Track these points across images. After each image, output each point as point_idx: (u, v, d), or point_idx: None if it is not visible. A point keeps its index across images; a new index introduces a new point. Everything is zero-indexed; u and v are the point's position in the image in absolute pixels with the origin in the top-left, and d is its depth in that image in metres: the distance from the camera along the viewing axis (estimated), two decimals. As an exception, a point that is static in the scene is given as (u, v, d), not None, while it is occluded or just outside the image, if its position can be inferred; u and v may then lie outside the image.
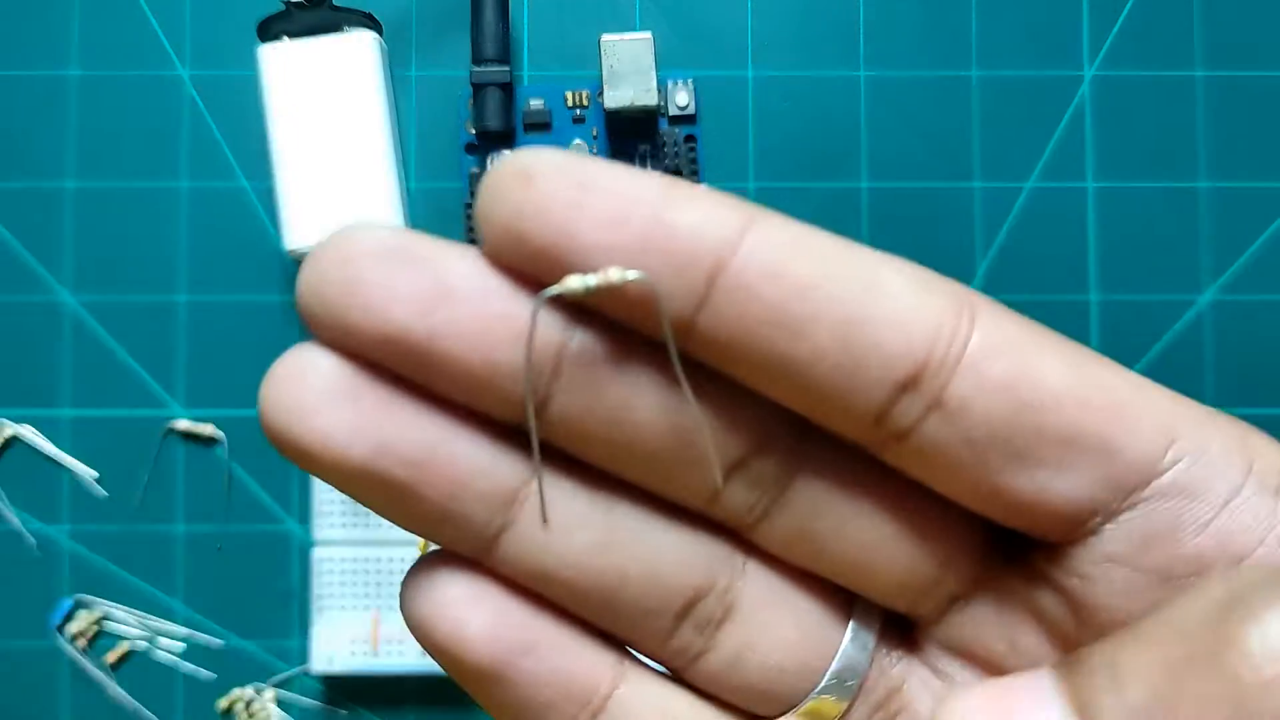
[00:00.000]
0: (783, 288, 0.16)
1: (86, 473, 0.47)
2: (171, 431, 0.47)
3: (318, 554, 0.45)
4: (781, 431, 0.18)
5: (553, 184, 0.16)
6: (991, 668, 0.19)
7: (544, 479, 0.17)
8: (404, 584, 0.18)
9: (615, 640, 0.19)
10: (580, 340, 0.17)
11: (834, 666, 0.19)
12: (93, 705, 0.46)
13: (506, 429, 0.17)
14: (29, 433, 0.47)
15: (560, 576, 0.18)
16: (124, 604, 0.47)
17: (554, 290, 0.16)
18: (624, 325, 0.17)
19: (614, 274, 0.15)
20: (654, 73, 0.44)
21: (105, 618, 0.46)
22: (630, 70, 0.44)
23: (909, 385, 0.16)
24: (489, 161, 0.46)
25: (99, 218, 0.47)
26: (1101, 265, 0.47)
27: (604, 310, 0.17)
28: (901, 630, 0.20)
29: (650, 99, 0.44)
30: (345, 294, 0.16)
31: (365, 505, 0.17)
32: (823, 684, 0.19)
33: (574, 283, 0.15)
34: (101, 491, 0.47)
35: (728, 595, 0.19)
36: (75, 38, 0.47)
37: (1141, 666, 0.14)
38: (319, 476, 0.17)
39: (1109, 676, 0.15)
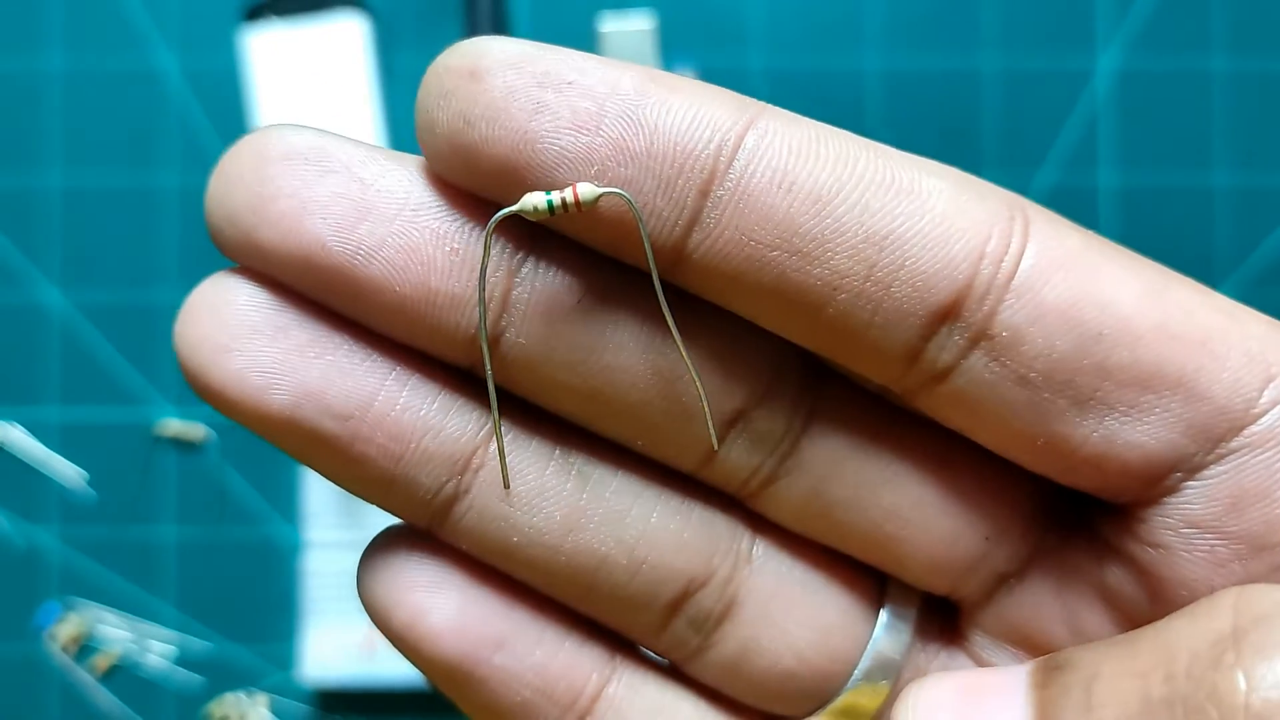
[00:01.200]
0: (794, 198, 0.13)
1: (75, 474, 0.46)
2: (161, 433, 0.46)
3: (309, 557, 0.44)
4: (790, 377, 0.15)
5: (507, 81, 0.13)
6: None
7: (505, 438, 0.15)
8: (360, 562, 0.16)
9: (606, 632, 0.16)
10: (534, 264, 0.14)
11: (863, 664, 0.16)
12: (80, 711, 0.46)
13: (460, 378, 0.15)
14: (17, 433, 0.46)
15: (525, 556, 0.15)
16: (112, 607, 0.46)
17: (509, 210, 0.13)
18: (593, 250, 0.14)
19: (584, 190, 0.13)
20: (655, 61, 0.43)
21: (93, 622, 0.46)
22: (630, 58, 0.43)
23: (948, 314, 0.14)
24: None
25: (86, 215, 0.46)
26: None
27: (570, 233, 0.14)
28: (942, 616, 0.17)
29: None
30: (254, 206, 0.14)
31: (302, 463, 0.15)
32: (850, 683, 0.16)
33: (534, 201, 0.13)
34: (90, 493, 0.46)
35: (729, 587, 0.16)
36: (56, 28, 0.47)
37: (1118, 696, 0.12)
38: (243, 424, 0.15)
39: (1083, 697, 0.13)
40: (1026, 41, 0.47)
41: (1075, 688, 0.13)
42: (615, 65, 0.14)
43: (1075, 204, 0.46)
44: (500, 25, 0.44)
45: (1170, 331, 0.14)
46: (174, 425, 0.46)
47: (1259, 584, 0.13)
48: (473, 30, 0.44)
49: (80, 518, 0.46)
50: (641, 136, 0.13)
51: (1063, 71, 0.47)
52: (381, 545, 0.16)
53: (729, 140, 0.13)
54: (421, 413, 0.15)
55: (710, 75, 0.46)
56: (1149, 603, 0.15)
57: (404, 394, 0.15)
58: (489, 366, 0.14)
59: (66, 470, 0.46)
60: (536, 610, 0.16)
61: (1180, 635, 0.12)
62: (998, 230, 0.14)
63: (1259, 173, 0.46)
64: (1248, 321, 0.14)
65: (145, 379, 0.46)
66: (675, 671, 0.17)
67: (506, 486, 0.15)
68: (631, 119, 0.13)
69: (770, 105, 0.14)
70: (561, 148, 0.13)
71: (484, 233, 0.14)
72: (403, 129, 0.46)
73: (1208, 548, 0.14)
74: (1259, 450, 0.14)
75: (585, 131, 0.13)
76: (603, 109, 0.13)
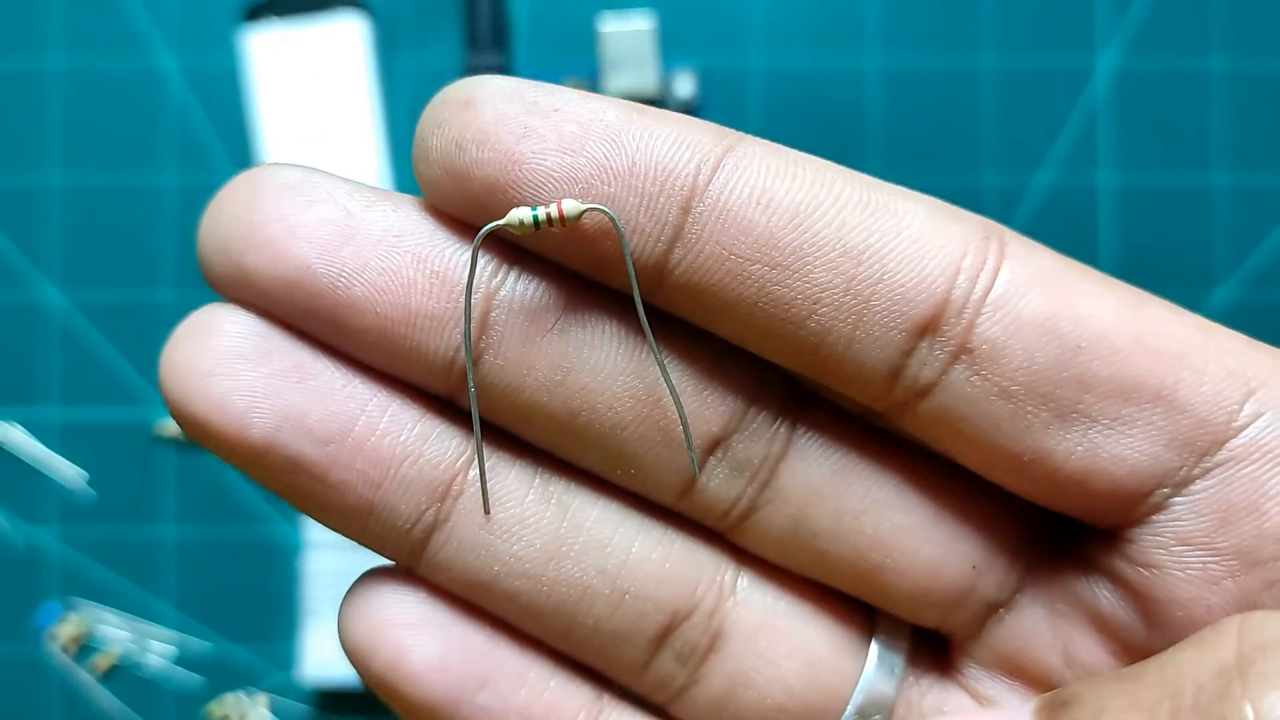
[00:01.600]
0: (772, 214, 0.14)
1: (75, 474, 0.46)
2: (161, 432, 0.46)
3: (309, 558, 0.44)
4: (769, 402, 0.16)
5: (498, 108, 0.14)
6: (1044, 686, 0.16)
7: (486, 464, 0.15)
8: (342, 603, 0.16)
9: (592, 671, 0.16)
10: (514, 284, 0.14)
11: (855, 700, 0.16)
12: (80, 711, 0.46)
13: (440, 406, 0.15)
14: (17, 433, 0.46)
15: (505, 587, 0.15)
16: (112, 607, 0.46)
17: (496, 224, 0.14)
18: (574, 272, 0.15)
19: (568, 206, 0.13)
20: (655, 61, 0.43)
21: (93, 622, 0.46)
22: (630, 58, 0.43)
23: (927, 328, 0.14)
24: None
25: (87, 214, 0.46)
26: (1112, 260, 0.46)
27: (553, 254, 0.15)
28: (935, 649, 0.17)
29: (651, 88, 0.43)
30: (244, 233, 0.14)
31: (279, 495, 0.15)
32: None
33: (520, 215, 0.13)
34: (90, 493, 0.46)
35: (714, 619, 0.16)
36: (57, 28, 0.47)
37: None
38: (222, 457, 0.15)
39: None
40: (1026, 41, 0.47)
41: None
42: (602, 98, 0.14)
43: (1074, 204, 0.46)
44: (500, 26, 0.44)
45: (1147, 345, 0.14)
46: (174, 425, 0.46)
47: (1262, 610, 0.13)
48: (473, 31, 0.44)
49: (80, 517, 0.46)
50: (624, 157, 0.14)
51: (1062, 71, 0.47)
52: (361, 588, 0.16)
53: (709, 161, 0.14)
54: (401, 438, 0.15)
55: (710, 75, 0.46)
56: (1144, 627, 0.15)
57: (384, 420, 0.15)
58: (472, 383, 0.15)
59: (66, 470, 0.46)
60: (520, 649, 0.16)
61: (1185, 666, 0.12)
62: (973, 248, 0.14)
63: (1258, 173, 0.46)
64: (1224, 337, 0.14)
65: (145, 379, 0.46)
66: (662, 714, 0.17)
67: (487, 512, 0.15)
68: (614, 141, 0.14)
69: (750, 135, 0.14)
70: (547, 168, 0.14)
71: (470, 248, 0.14)
72: (402, 129, 0.46)
73: (1200, 565, 0.14)
74: (1243, 464, 0.14)
75: (570, 153, 0.14)
76: (587, 133, 0.14)
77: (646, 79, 0.43)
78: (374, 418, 0.15)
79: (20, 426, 0.46)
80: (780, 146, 0.14)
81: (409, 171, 0.49)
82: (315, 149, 0.44)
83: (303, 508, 0.15)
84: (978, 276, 0.14)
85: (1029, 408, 0.14)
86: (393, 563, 0.16)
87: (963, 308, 0.14)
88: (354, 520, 0.15)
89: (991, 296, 0.14)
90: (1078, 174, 0.46)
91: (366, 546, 0.16)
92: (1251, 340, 0.14)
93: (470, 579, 0.15)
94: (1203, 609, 0.14)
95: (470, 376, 0.15)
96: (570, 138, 0.14)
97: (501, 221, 0.14)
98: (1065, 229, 0.46)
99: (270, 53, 0.44)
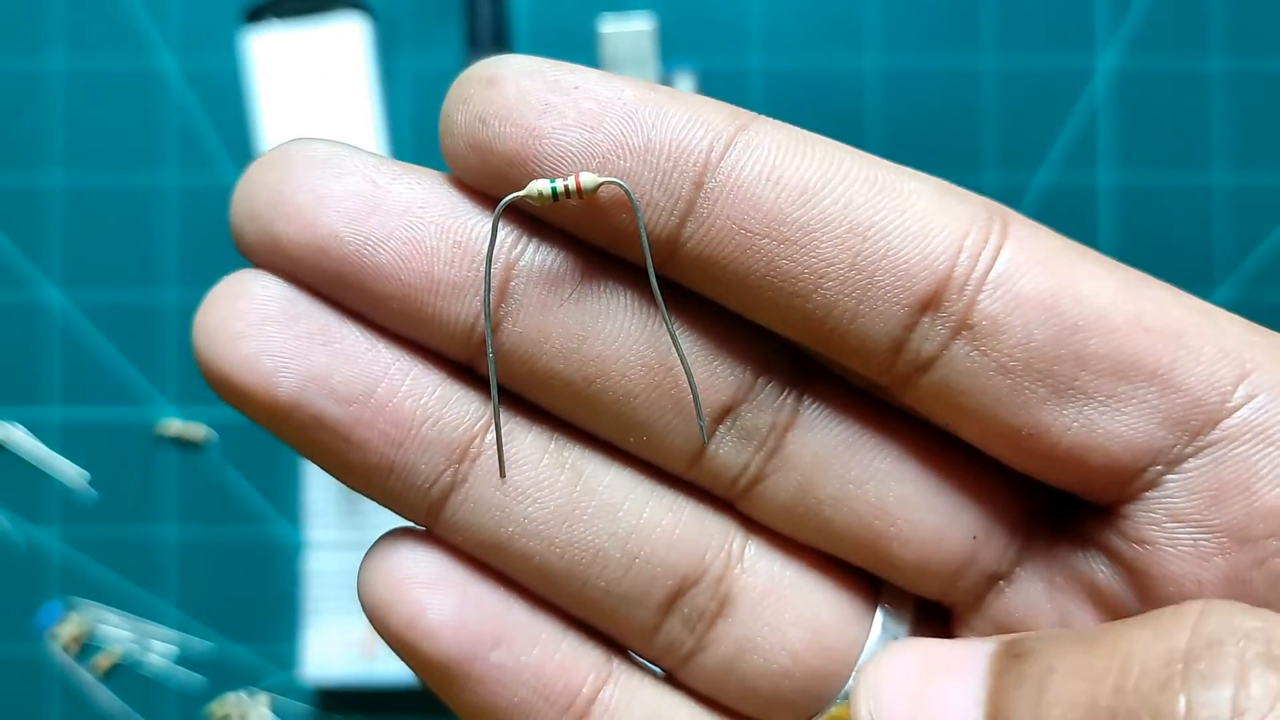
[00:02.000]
0: (782, 190, 0.14)
1: (77, 474, 0.46)
2: (162, 432, 0.46)
3: (310, 557, 0.44)
4: (777, 373, 0.16)
5: (520, 85, 0.14)
6: None
7: (503, 429, 0.16)
8: (360, 566, 0.16)
9: (603, 635, 0.17)
10: (533, 255, 0.15)
11: (859, 667, 0.16)
12: (81, 711, 0.46)
13: (460, 372, 0.16)
14: (18, 433, 0.46)
15: (519, 548, 0.16)
16: (114, 607, 0.46)
17: (516, 195, 0.14)
18: (590, 244, 0.15)
19: (585, 178, 0.14)
20: (655, 62, 0.43)
21: (94, 621, 0.46)
22: (630, 59, 0.43)
23: (930, 303, 0.14)
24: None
25: (88, 215, 0.46)
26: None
27: (571, 226, 0.15)
28: (938, 620, 0.17)
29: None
30: (274, 202, 0.15)
31: (303, 454, 0.16)
32: (846, 689, 0.16)
33: (539, 186, 0.14)
34: (92, 493, 0.46)
35: (722, 585, 0.16)
36: (58, 29, 0.47)
37: (1069, 697, 0.13)
38: (250, 415, 0.15)
39: (1034, 693, 0.13)
40: (1025, 42, 0.47)
41: (1030, 680, 0.13)
42: (621, 78, 0.15)
43: (1074, 204, 0.46)
44: (501, 27, 0.44)
45: (1145, 324, 0.14)
46: (175, 425, 0.46)
47: (1226, 602, 0.13)
48: (473, 32, 0.44)
49: (82, 517, 0.46)
50: (640, 134, 0.14)
51: (1062, 71, 0.47)
52: (381, 547, 0.16)
53: (721, 138, 0.14)
54: (422, 400, 0.15)
55: (710, 76, 0.46)
56: (1138, 601, 0.15)
57: (406, 382, 0.15)
58: (490, 350, 0.15)
59: (68, 470, 0.46)
60: (534, 610, 0.16)
61: (1137, 645, 0.13)
62: (976, 227, 0.15)
63: (1257, 172, 0.46)
64: (1221, 320, 0.14)
65: (146, 379, 0.46)
66: (671, 679, 0.17)
67: (502, 475, 0.16)
68: (631, 119, 0.14)
69: (763, 116, 0.15)
70: (566, 142, 0.14)
71: (491, 217, 0.15)
72: (402, 129, 0.46)
73: (1191, 542, 0.14)
74: (1236, 444, 0.14)
75: (588, 129, 0.14)
76: (605, 110, 0.14)
77: (646, 80, 0.43)
78: (396, 380, 0.15)
79: (22, 427, 0.46)
80: (792, 127, 0.15)
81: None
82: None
83: (326, 466, 0.16)
84: (979, 254, 0.14)
85: (1027, 383, 0.14)
86: (412, 524, 0.16)
87: (964, 285, 0.14)
88: (375, 478, 0.16)
89: (993, 274, 0.14)
90: (1078, 174, 0.46)
91: (386, 505, 0.16)
92: (1250, 324, 0.15)
93: (486, 539, 0.16)
94: (1194, 584, 0.14)
95: (489, 343, 0.15)
96: (589, 114, 0.14)
97: (521, 193, 0.14)
98: (1065, 228, 0.46)
99: (271, 53, 0.44)
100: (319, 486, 0.44)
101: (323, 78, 0.44)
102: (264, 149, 0.44)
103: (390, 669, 0.44)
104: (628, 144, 0.14)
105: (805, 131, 0.15)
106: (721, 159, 0.14)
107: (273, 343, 0.15)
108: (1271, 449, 0.14)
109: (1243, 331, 0.14)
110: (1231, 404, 0.14)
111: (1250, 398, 0.14)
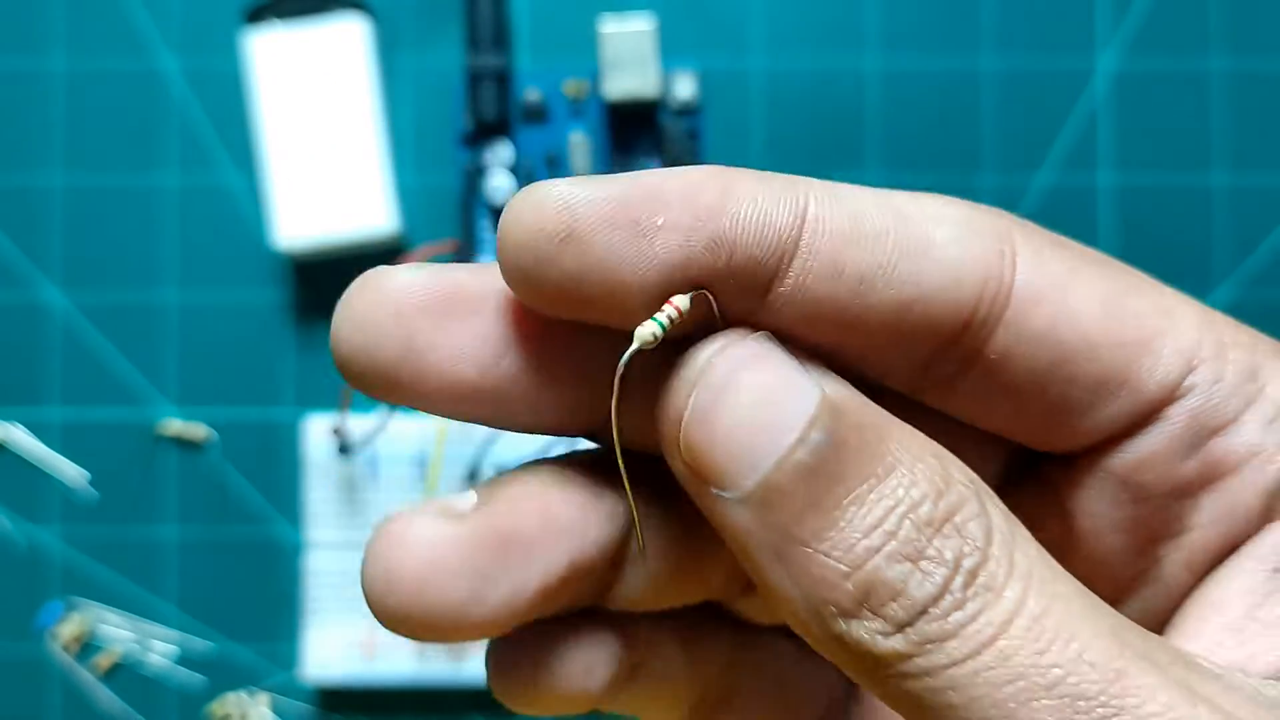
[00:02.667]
0: (839, 284, 0.15)
1: (77, 474, 0.46)
2: (163, 432, 0.46)
3: (310, 557, 0.44)
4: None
5: (608, 241, 0.14)
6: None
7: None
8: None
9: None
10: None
11: None
12: (82, 711, 0.46)
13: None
14: (18, 433, 0.46)
15: None
16: (114, 606, 0.46)
17: (634, 349, 0.14)
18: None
19: (680, 301, 0.14)
20: (655, 62, 0.43)
21: (95, 621, 0.46)
22: (631, 59, 0.43)
23: (950, 342, 0.15)
24: (484, 154, 0.45)
25: (87, 214, 0.46)
26: (1115, 260, 0.46)
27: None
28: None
29: (651, 90, 0.43)
30: (402, 355, 0.15)
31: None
32: None
33: (650, 330, 0.14)
34: (92, 493, 0.46)
35: None
36: (58, 29, 0.47)
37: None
38: (440, 639, 0.15)
39: None
40: (1026, 42, 0.47)
41: None
42: (692, 184, 0.14)
43: (1074, 204, 0.46)
44: (501, 27, 0.44)
45: (1123, 340, 0.15)
46: (176, 425, 0.46)
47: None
48: (473, 32, 0.44)
49: (82, 517, 0.46)
50: (722, 256, 0.14)
51: (1062, 72, 0.47)
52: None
53: (789, 241, 0.14)
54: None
55: (710, 75, 0.46)
56: (1064, 538, 0.17)
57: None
58: (625, 479, 0.16)
59: (68, 470, 0.46)
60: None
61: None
62: (993, 271, 0.15)
63: (1257, 173, 0.46)
64: (1183, 319, 0.16)
65: (147, 379, 0.46)
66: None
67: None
68: (714, 241, 0.14)
69: (814, 183, 0.15)
70: (654, 282, 0.14)
71: (615, 372, 0.15)
72: (403, 129, 0.46)
73: (1111, 491, 0.16)
74: (1170, 423, 0.16)
75: (677, 268, 0.14)
76: (689, 240, 0.14)
77: (647, 80, 0.43)
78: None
79: (22, 426, 0.46)
80: (842, 192, 0.15)
81: (410, 171, 0.49)
82: (317, 150, 0.44)
83: None
84: (995, 298, 0.15)
85: (1024, 399, 0.16)
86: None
87: (984, 323, 0.15)
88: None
89: (1007, 315, 0.15)
90: (1078, 174, 0.46)
91: None
92: (1206, 312, 0.16)
93: None
94: (1102, 522, 0.17)
95: (619, 456, 0.15)
96: (676, 249, 0.14)
97: (636, 346, 0.14)
98: (1065, 229, 0.46)
99: (272, 54, 0.44)
100: (319, 486, 0.44)
101: (323, 78, 0.44)
102: (265, 149, 0.44)
103: (390, 669, 0.44)
104: (713, 267, 0.14)
105: (857, 199, 0.15)
106: (790, 266, 0.14)
107: (458, 589, 0.15)
108: (1190, 431, 0.16)
109: (1197, 328, 0.16)
110: (1177, 393, 0.16)
111: (1190, 389, 0.16)
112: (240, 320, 0.46)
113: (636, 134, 0.45)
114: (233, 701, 0.46)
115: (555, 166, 0.45)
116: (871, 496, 0.13)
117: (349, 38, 0.44)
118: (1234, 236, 0.46)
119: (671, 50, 0.45)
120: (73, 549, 0.46)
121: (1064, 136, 0.46)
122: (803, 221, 0.14)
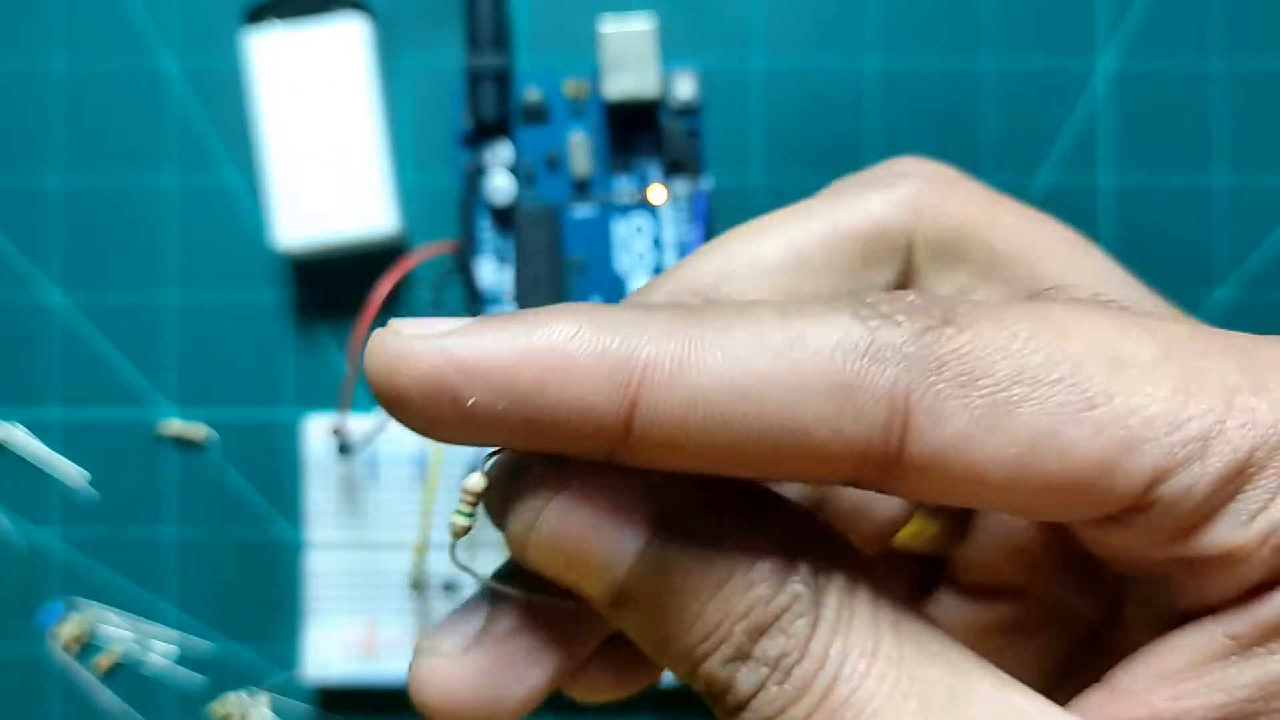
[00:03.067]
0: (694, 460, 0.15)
1: (77, 474, 0.46)
2: (163, 432, 0.46)
3: (310, 557, 0.44)
4: None
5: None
6: None
7: None
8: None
9: None
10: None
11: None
12: (82, 711, 0.46)
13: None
14: (19, 433, 0.46)
15: None
16: (114, 606, 0.46)
17: (452, 543, 0.16)
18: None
19: (471, 484, 0.16)
20: (656, 62, 0.43)
21: (95, 621, 0.46)
22: (631, 59, 0.43)
23: (860, 479, 0.15)
24: (484, 154, 0.45)
25: (87, 215, 0.46)
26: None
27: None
28: None
29: (651, 90, 0.43)
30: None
31: None
32: None
33: (456, 525, 0.16)
34: (92, 493, 0.46)
35: None
36: (58, 29, 0.47)
37: None
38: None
39: None
40: (1026, 41, 0.47)
41: None
42: (507, 366, 0.14)
43: (1074, 204, 0.47)
44: (501, 27, 0.44)
45: (1054, 485, 0.14)
46: (176, 425, 0.46)
47: None
48: (473, 32, 0.44)
49: (82, 517, 0.46)
50: (543, 437, 0.15)
51: (1062, 72, 0.47)
52: None
53: (616, 429, 0.14)
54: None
55: (710, 75, 0.46)
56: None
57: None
58: None
59: (68, 470, 0.46)
60: None
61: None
62: (874, 447, 0.14)
63: (1258, 173, 0.46)
64: (1152, 425, 0.14)
65: (147, 379, 0.46)
66: None
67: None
68: (529, 425, 0.14)
69: (663, 348, 0.14)
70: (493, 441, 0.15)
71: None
72: (403, 129, 0.46)
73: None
74: (1134, 528, 0.15)
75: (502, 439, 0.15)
76: (506, 419, 0.14)
77: (647, 80, 0.43)
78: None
79: (22, 427, 0.46)
80: (686, 367, 0.14)
81: (410, 171, 0.49)
82: (317, 150, 0.44)
83: None
84: (878, 468, 0.14)
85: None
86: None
87: (878, 477, 0.15)
88: None
89: (905, 474, 0.14)
90: (1078, 174, 0.46)
91: None
92: (1212, 380, 0.14)
93: None
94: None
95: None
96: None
97: (451, 540, 0.16)
98: (1065, 229, 0.46)
99: (272, 54, 0.44)
100: (319, 486, 0.44)
101: (323, 78, 0.44)
102: (265, 149, 0.44)
103: (390, 669, 0.44)
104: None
105: (698, 379, 0.14)
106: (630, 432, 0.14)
107: (484, 700, 0.17)
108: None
109: (1165, 432, 0.15)
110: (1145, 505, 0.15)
111: (1131, 469, 0.15)
112: (240, 320, 0.46)
113: (636, 134, 0.45)
114: (233, 701, 0.46)
115: (555, 166, 0.45)
116: (709, 609, 0.14)
117: (349, 38, 0.44)
118: (1234, 236, 0.46)
119: (671, 50, 0.45)
120: (73, 549, 0.46)
121: (1064, 136, 0.46)
122: (631, 411, 0.14)
